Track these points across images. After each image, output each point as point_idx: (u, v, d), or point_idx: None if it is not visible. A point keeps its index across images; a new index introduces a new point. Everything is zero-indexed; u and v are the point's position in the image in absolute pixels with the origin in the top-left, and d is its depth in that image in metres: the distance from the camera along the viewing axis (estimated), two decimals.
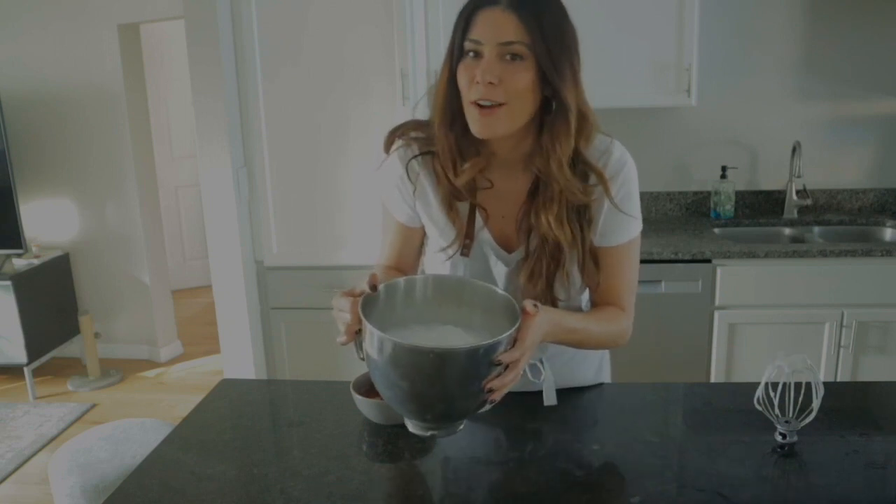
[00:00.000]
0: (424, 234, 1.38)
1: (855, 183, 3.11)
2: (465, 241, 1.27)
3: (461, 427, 1.10)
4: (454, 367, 0.99)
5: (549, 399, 1.36)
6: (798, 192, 3.03)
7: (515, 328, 1.03)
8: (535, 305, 1.06)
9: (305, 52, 2.76)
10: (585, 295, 1.39)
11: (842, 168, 3.10)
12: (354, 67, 2.75)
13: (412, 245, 1.38)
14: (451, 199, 1.26)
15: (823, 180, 3.10)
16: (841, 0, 2.94)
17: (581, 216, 1.22)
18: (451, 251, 1.28)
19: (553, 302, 1.26)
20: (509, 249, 1.29)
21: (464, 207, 1.27)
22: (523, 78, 1.11)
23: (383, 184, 1.34)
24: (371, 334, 1.01)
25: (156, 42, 4.94)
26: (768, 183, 3.13)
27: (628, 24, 2.65)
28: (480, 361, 1.00)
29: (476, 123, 1.14)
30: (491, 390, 1.01)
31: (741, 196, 3.13)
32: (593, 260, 1.26)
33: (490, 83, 1.10)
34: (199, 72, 2.78)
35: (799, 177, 2.99)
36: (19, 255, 3.82)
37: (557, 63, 1.11)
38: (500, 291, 1.14)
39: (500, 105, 1.12)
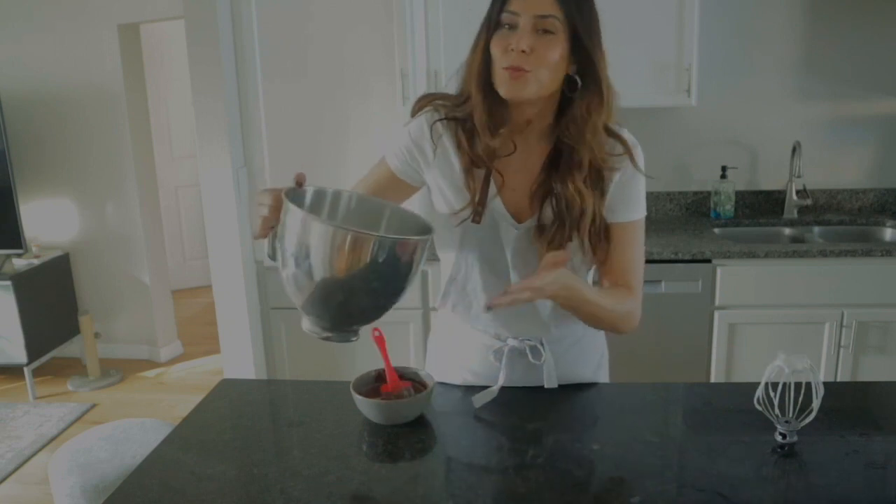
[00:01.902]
0: (409, 193, 1.41)
1: (855, 183, 3.11)
2: (478, 207, 1.30)
3: (355, 338, 1.18)
4: (372, 254, 1.06)
5: (550, 382, 1.38)
6: (798, 192, 3.03)
7: (429, 236, 1.15)
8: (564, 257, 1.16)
9: (305, 51, 2.76)
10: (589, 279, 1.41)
11: (842, 168, 3.10)
12: (354, 68, 2.75)
13: (392, 193, 1.39)
14: (469, 164, 1.30)
15: (823, 180, 3.10)
16: (841, 0, 2.94)
17: (599, 185, 1.28)
18: (463, 215, 1.31)
19: None
20: (520, 220, 1.32)
21: (479, 175, 1.30)
22: (555, 50, 1.18)
23: (396, 135, 1.37)
24: (295, 215, 1.07)
25: (156, 42, 4.94)
26: (768, 183, 3.13)
27: (628, 24, 2.65)
28: (393, 256, 1.08)
29: (504, 85, 1.20)
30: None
31: (741, 196, 3.12)
32: (603, 231, 1.31)
33: (523, 51, 1.17)
34: (199, 72, 2.78)
35: (799, 177, 2.99)
36: (19, 255, 3.82)
37: (590, 41, 1.19)
38: (422, 217, 1.24)
39: (529, 71, 1.18)
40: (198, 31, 2.74)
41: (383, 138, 2.72)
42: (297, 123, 2.83)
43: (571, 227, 1.26)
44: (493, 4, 1.21)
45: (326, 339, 1.15)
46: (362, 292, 1.10)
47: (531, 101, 1.22)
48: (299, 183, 1.17)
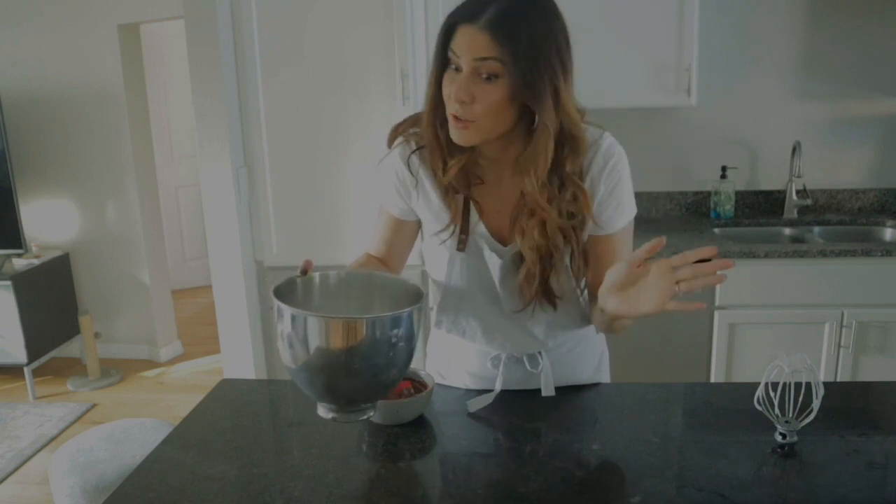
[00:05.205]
0: (418, 228, 1.40)
1: (855, 183, 3.11)
2: (462, 236, 1.29)
3: (369, 415, 1.14)
4: (359, 336, 1.04)
5: (548, 390, 1.37)
6: (798, 192, 3.03)
7: (417, 306, 1.10)
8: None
9: (305, 52, 2.76)
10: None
11: (842, 168, 3.10)
12: (354, 67, 2.75)
13: (403, 238, 1.40)
14: (446, 191, 1.28)
15: (823, 180, 3.10)
16: (841, 0, 2.94)
17: (572, 218, 1.23)
18: (444, 235, 1.30)
19: (549, 298, 1.27)
20: (504, 243, 1.30)
21: (459, 201, 1.28)
22: (496, 97, 1.12)
23: (381, 178, 1.36)
24: (279, 312, 1.06)
25: (156, 42, 4.94)
26: (768, 183, 3.13)
27: (628, 24, 2.65)
28: (380, 334, 1.06)
29: (453, 132, 1.18)
30: None
31: (741, 196, 3.13)
32: (583, 256, 1.27)
33: (463, 101, 1.12)
34: (199, 72, 2.78)
35: (799, 177, 2.99)
36: (19, 255, 3.82)
37: (534, 85, 1.10)
38: (410, 282, 1.21)
39: (472, 121, 1.14)
40: (198, 31, 2.74)
41: (383, 138, 2.72)
42: (297, 123, 2.83)
43: (544, 267, 1.24)
44: (438, 39, 1.16)
45: (334, 419, 1.13)
46: (351, 372, 1.08)
47: (486, 142, 1.19)
48: (304, 271, 1.16)
